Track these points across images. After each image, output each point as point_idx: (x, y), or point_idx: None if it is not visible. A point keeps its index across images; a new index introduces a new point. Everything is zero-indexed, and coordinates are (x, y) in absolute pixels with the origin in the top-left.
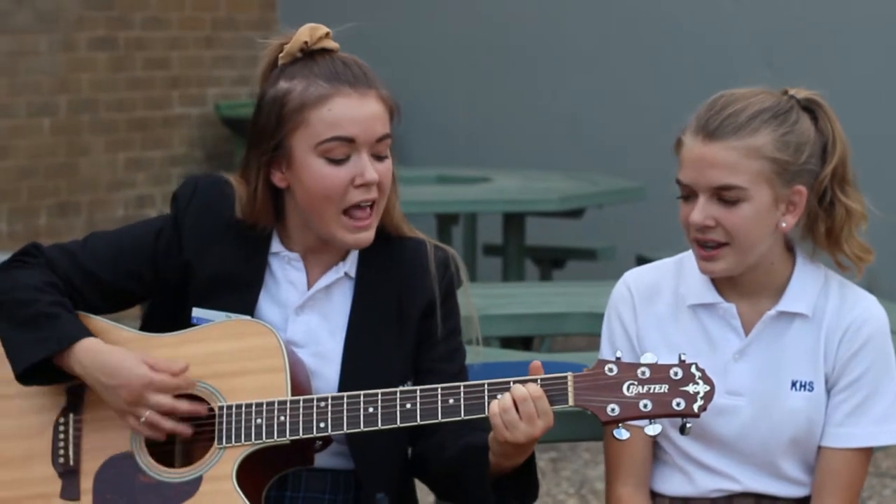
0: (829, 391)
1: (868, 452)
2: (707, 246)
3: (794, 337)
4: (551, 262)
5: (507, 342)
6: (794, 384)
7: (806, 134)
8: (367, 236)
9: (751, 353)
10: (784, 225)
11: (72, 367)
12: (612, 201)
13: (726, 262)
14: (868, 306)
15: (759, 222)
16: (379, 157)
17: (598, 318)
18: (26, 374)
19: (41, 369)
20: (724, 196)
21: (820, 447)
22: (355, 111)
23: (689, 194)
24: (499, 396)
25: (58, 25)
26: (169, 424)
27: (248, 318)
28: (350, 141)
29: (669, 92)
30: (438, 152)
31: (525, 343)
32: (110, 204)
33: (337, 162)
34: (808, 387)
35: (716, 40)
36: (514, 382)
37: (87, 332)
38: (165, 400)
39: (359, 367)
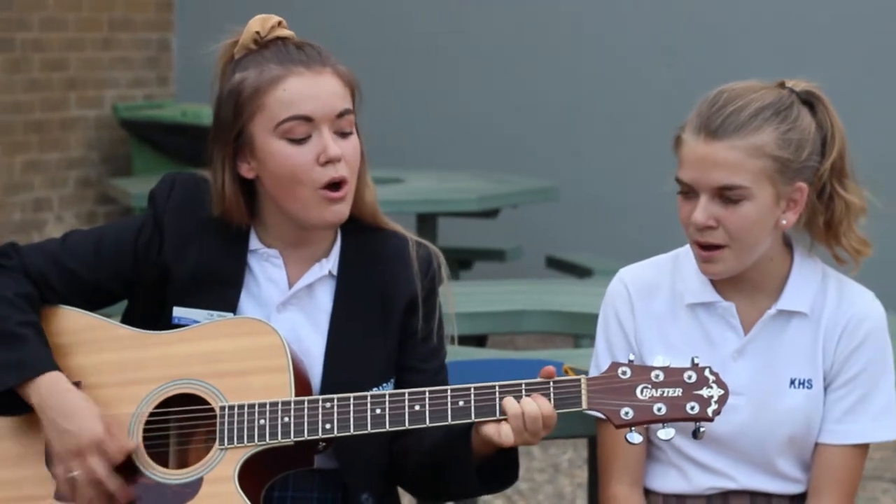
0: (826, 388)
1: (865, 449)
2: (707, 246)
3: (793, 335)
4: (458, 262)
5: (461, 340)
6: (792, 382)
7: (807, 130)
8: (343, 209)
9: (749, 351)
10: (785, 223)
11: (28, 396)
12: (528, 201)
13: (726, 263)
14: (866, 303)
15: (761, 221)
16: (343, 134)
17: (555, 315)
18: None
19: None
20: (727, 196)
21: (817, 444)
22: (310, 89)
23: (689, 192)
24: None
25: None
26: (88, 493)
27: (234, 315)
28: (308, 119)
29: (573, 91)
30: None
31: (479, 342)
32: (7, 207)
33: (298, 141)
34: (806, 384)
35: (616, 39)
36: (527, 386)
37: (53, 364)
38: (101, 469)
39: (341, 366)
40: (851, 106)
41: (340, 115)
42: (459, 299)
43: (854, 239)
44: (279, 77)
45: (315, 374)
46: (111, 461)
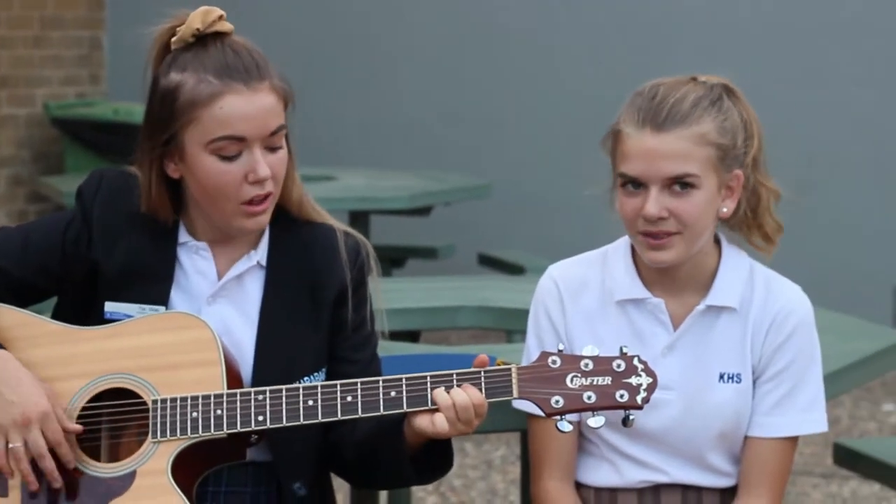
0: (755, 382)
1: (794, 441)
2: (657, 236)
3: (722, 330)
4: (391, 260)
5: (394, 337)
6: (721, 377)
7: (736, 120)
8: (264, 219)
9: (679, 347)
10: (725, 210)
11: None
12: (460, 199)
13: (677, 250)
14: (794, 297)
15: (709, 209)
16: (272, 149)
17: (488, 311)
18: None
19: None
20: (680, 184)
21: (746, 437)
22: (246, 109)
23: (635, 186)
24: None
25: None
26: (25, 467)
27: (170, 309)
28: (241, 140)
29: (505, 90)
30: None
31: (412, 338)
32: None
33: (229, 159)
34: (735, 378)
35: (546, 39)
36: (458, 375)
37: None
38: (42, 444)
39: (272, 356)
40: (782, 105)
41: (273, 132)
42: (392, 296)
43: (772, 223)
44: (217, 94)
45: (246, 365)
46: (52, 439)
